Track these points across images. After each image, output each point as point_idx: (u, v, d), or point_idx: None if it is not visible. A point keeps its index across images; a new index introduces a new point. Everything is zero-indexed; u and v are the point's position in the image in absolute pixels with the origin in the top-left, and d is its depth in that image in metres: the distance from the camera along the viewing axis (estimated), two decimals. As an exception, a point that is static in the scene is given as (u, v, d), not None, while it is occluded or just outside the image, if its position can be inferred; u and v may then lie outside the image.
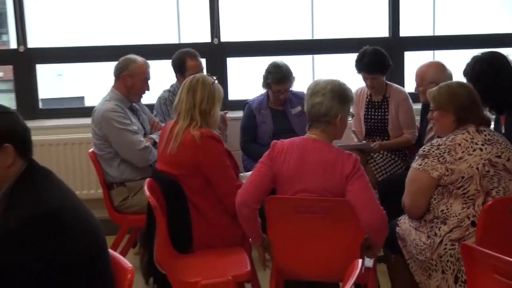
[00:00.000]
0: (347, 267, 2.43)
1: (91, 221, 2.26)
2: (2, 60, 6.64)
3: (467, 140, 3.04)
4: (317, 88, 3.10)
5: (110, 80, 4.36)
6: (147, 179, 3.44)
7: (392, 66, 4.68)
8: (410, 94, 4.71)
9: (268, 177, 3.10)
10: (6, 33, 19.02)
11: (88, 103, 13.54)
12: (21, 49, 5.35)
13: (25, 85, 5.45)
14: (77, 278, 2.13)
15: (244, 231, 3.30)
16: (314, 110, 3.08)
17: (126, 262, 2.31)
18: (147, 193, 3.24)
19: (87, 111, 4.94)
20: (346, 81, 3.19)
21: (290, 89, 4.70)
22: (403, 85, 5.30)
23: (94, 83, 11.87)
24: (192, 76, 3.57)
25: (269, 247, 3.19)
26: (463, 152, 3.01)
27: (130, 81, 4.25)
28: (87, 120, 4.55)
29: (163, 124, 4.14)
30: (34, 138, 2.34)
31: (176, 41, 14.43)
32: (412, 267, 3.15)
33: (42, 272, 2.05)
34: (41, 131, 5.06)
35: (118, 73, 4.28)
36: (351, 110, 3.23)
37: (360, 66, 4.57)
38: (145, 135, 4.32)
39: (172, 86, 4.73)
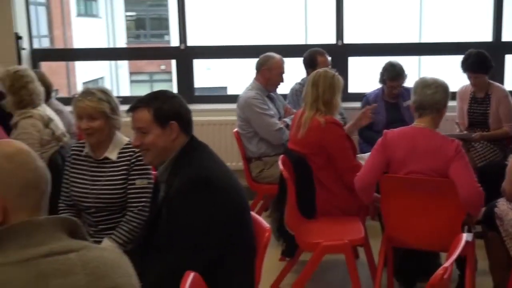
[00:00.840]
0: (448, 239, 2.37)
1: (237, 186, 2.28)
2: (167, 55, 6.93)
3: None
4: (429, 82, 3.02)
5: (248, 73, 4.41)
6: (281, 156, 3.46)
7: (494, 67, 4.42)
8: (510, 92, 4.45)
9: (382, 162, 3.03)
10: (168, 34, 19.81)
11: (230, 92, 13.86)
12: (182, 47, 5.47)
13: (184, 76, 5.58)
14: (232, 229, 2.16)
15: (360, 204, 3.28)
16: (428, 100, 2.99)
17: (264, 222, 2.33)
18: (281, 166, 3.26)
19: (230, 99, 5.05)
20: (449, 80, 3.12)
21: (402, 84, 4.58)
22: (503, 84, 5.00)
23: (235, 76, 12.13)
24: (315, 71, 3.53)
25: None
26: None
27: (268, 74, 4.27)
28: (230, 106, 4.63)
29: (295, 110, 4.15)
30: (192, 119, 2.40)
31: (303, 42, 14.48)
32: (508, 243, 2.96)
33: (204, 226, 2.09)
34: (195, 113, 5.16)
35: (259, 67, 4.31)
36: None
37: (466, 66, 4.37)
38: (279, 118, 4.32)
39: (302, 79, 4.69)
